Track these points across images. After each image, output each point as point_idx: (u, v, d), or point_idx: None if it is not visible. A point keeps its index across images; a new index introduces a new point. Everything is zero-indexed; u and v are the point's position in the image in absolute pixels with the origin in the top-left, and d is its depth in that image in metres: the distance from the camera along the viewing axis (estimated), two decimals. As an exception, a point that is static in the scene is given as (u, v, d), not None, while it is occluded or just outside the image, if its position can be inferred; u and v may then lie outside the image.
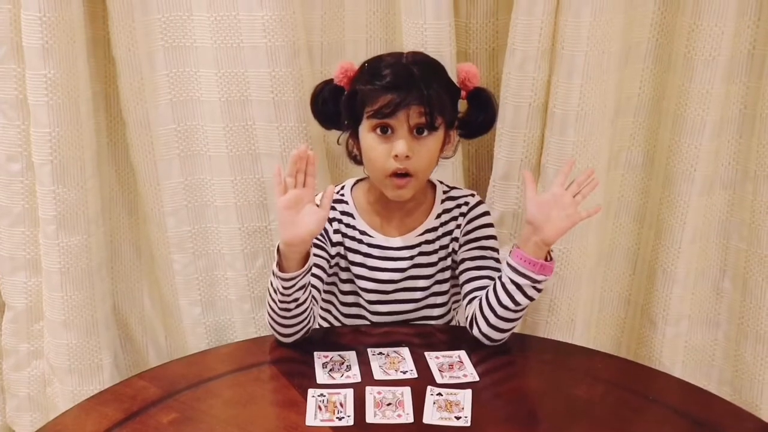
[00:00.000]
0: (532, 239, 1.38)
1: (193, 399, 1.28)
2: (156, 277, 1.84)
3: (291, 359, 1.41)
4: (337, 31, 1.72)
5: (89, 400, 1.31)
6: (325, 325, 1.62)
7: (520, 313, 1.41)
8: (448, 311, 1.58)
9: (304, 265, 1.32)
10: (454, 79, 1.49)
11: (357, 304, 1.55)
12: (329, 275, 1.52)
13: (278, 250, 1.32)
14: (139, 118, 1.68)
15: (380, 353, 1.40)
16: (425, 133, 1.40)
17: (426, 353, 1.40)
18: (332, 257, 1.51)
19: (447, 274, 1.54)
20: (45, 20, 1.50)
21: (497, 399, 1.32)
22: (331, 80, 1.49)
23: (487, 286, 1.44)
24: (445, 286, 1.55)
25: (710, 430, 1.24)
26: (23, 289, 1.76)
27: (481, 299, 1.43)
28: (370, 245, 1.51)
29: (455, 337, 1.48)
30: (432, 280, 1.53)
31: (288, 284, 1.32)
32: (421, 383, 1.31)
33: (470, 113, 1.50)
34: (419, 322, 1.56)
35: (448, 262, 1.53)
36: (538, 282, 1.38)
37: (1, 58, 1.58)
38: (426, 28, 1.61)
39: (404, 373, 1.35)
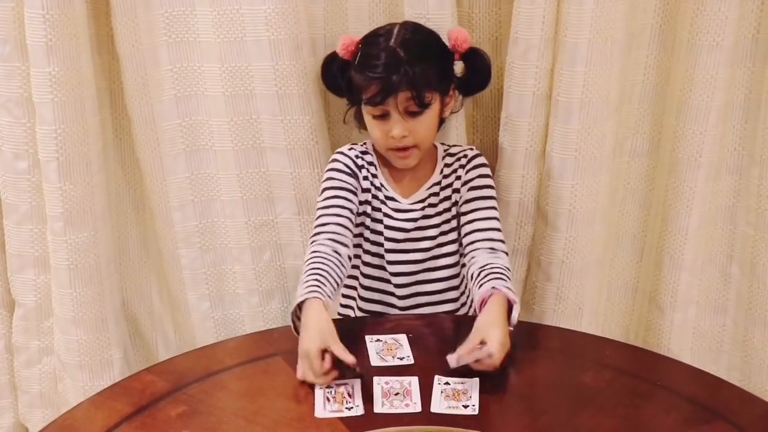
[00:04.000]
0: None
1: (202, 392, 1.29)
2: (164, 273, 1.85)
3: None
4: (340, 23, 1.72)
5: (99, 394, 1.32)
6: (352, 283, 1.66)
7: None
8: (457, 262, 1.62)
9: None
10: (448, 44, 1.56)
11: (379, 255, 1.61)
12: (357, 220, 1.58)
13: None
14: (143, 113, 1.69)
15: (378, 340, 1.40)
16: (418, 111, 1.47)
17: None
18: (361, 204, 1.57)
19: (453, 224, 1.59)
20: (48, 17, 1.50)
21: (505, 387, 1.33)
22: (335, 53, 1.58)
23: (491, 239, 1.51)
24: (451, 236, 1.60)
25: (719, 415, 1.24)
26: (32, 287, 1.77)
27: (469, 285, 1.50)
28: (386, 197, 1.58)
29: (462, 327, 1.48)
30: (438, 230, 1.59)
31: None
32: (428, 372, 1.32)
33: (466, 73, 1.58)
34: (428, 312, 1.58)
35: (453, 212, 1.58)
36: None
37: (6, 56, 1.58)
38: (429, 19, 1.61)
39: (401, 359, 1.35)
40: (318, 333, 1.30)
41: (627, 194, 1.82)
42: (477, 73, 1.58)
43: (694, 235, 1.74)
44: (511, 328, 1.37)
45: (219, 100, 1.69)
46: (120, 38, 1.63)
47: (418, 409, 1.24)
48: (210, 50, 1.66)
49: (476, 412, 1.23)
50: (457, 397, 1.27)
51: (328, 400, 1.25)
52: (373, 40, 1.52)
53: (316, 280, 1.40)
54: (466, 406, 1.25)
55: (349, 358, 1.27)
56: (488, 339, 1.29)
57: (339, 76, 1.58)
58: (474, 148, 1.62)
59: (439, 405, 1.25)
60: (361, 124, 1.59)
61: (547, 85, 1.64)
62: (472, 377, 1.30)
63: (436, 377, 1.30)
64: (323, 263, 1.45)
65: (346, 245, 1.51)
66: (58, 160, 1.59)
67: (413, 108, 1.47)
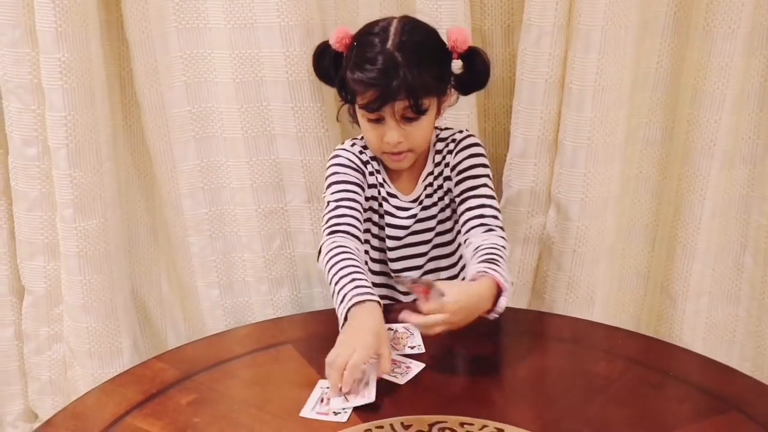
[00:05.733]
0: None
1: (212, 380, 1.29)
2: (173, 260, 1.84)
3: (309, 339, 1.41)
4: (351, 9, 1.71)
5: (109, 382, 1.32)
6: None
7: None
8: (456, 251, 1.60)
9: None
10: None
11: (382, 251, 1.58)
12: (365, 212, 1.54)
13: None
14: (153, 100, 1.68)
15: (389, 329, 1.39)
16: (414, 117, 1.42)
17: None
18: (367, 199, 1.53)
19: (448, 213, 1.56)
20: (58, 3, 1.49)
21: (516, 377, 1.32)
22: (328, 43, 1.51)
23: (482, 216, 1.45)
24: (447, 225, 1.57)
25: (732, 405, 1.23)
26: (42, 274, 1.77)
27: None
28: (388, 194, 1.54)
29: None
30: (436, 220, 1.56)
31: None
32: (439, 361, 1.32)
33: (464, 72, 1.50)
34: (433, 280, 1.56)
35: (446, 201, 1.55)
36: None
37: (15, 42, 1.58)
38: (440, 5, 1.59)
39: (412, 348, 1.35)
40: (375, 336, 1.24)
41: (639, 183, 1.81)
42: (475, 73, 1.49)
43: (707, 224, 1.73)
44: (496, 315, 1.33)
45: (229, 86, 1.68)
46: (130, 24, 1.62)
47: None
48: (220, 36, 1.65)
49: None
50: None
51: (322, 401, 1.22)
52: (368, 39, 1.43)
53: (365, 280, 1.34)
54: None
55: (388, 368, 1.24)
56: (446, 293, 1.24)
57: (331, 68, 1.52)
58: (464, 130, 1.56)
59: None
60: (355, 120, 1.53)
61: (559, 73, 1.62)
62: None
63: None
64: (358, 261, 1.38)
65: (361, 241, 1.46)
66: (68, 147, 1.59)
67: (410, 114, 1.41)
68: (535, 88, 1.64)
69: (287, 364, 1.34)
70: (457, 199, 1.51)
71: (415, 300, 1.55)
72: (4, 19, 1.56)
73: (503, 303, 1.32)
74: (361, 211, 1.50)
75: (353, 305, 1.29)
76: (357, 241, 1.44)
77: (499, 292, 1.32)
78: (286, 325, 1.47)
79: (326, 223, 1.46)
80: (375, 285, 1.57)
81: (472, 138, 1.54)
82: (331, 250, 1.40)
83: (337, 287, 1.34)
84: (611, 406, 1.23)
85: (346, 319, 1.29)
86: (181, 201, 1.76)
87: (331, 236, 1.43)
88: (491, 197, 1.48)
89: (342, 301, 1.31)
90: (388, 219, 1.54)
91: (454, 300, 1.24)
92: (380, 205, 1.54)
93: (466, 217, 1.47)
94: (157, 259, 1.87)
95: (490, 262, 1.35)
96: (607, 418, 1.20)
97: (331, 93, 1.68)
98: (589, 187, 1.66)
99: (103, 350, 1.74)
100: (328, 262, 1.39)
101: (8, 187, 1.73)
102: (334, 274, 1.36)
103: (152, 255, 1.87)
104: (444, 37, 1.47)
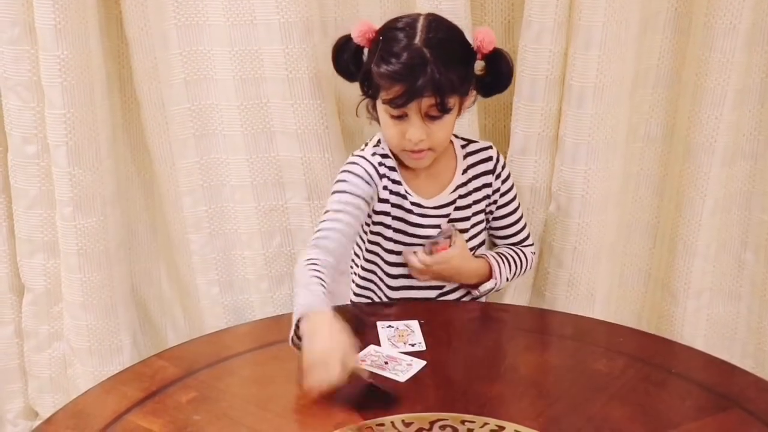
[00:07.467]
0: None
1: (212, 378, 1.28)
2: (173, 258, 1.84)
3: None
4: (351, 6, 1.70)
5: (109, 380, 1.32)
6: (371, 286, 1.60)
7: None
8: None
9: None
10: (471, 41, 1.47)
11: (402, 264, 1.55)
12: (371, 224, 1.52)
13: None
14: (153, 98, 1.68)
15: (389, 326, 1.40)
16: (438, 116, 1.41)
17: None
18: (376, 213, 1.50)
19: (480, 227, 1.56)
20: (57, 0, 1.49)
21: (517, 374, 1.32)
22: (350, 37, 1.49)
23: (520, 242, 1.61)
24: (480, 239, 1.56)
25: (735, 403, 1.22)
26: (42, 272, 1.76)
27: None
28: (412, 203, 1.51)
29: (477, 314, 1.47)
30: (468, 235, 1.54)
31: None
32: (440, 358, 1.31)
33: (486, 74, 1.48)
34: (440, 299, 1.57)
35: (481, 216, 1.55)
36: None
37: (15, 39, 1.58)
38: (441, 1, 1.59)
39: (412, 345, 1.35)
40: (338, 338, 1.21)
41: (640, 180, 1.80)
42: (499, 75, 1.47)
43: (708, 221, 1.73)
44: (479, 294, 1.53)
45: (228, 84, 1.68)
46: (129, 22, 1.62)
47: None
48: (220, 33, 1.65)
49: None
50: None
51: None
52: (394, 34, 1.41)
53: (323, 288, 1.33)
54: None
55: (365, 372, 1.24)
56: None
57: (352, 62, 1.49)
58: (492, 145, 1.56)
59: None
60: (374, 117, 1.50)
61: (560, 70, 1.62)
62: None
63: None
64: (324, 276, 1.36)
65: (344, 257, 1.46)
66: (68, 145, 1.58)
67: (434, 113, 1.39)
68: (536, 84, 1.63)
69: (288, 362, 1.33)
70: (498, 221, 1.58)
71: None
72: (4, 16, 1.56)
73: (486, 287, 1.52)
74: (357, 226, 1.47)
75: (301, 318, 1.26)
76: (332, 256, 1.40)
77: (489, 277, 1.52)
78: (286, 323, 1.45)
79: (315, 232, 1.44)
80: (396, 288, 1.57)
81: (502, 156, 1.56)
82: (306, 265, 1.37)
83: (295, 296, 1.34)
84: (612, 403, 1.22)
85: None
86: (180, 198, 1.76)
87: (311, 250, 1.40)
88: (523, 218, 1.61)
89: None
90: (413, 230, 1.51)
91: (449, 256, 1.48)
92: (399, 219, 1.51)
93: (509, 242, 1.60)
94: (156, 256, 1.87)
95: (500, 255, 1.54)
96: (608, 415, 1.20)
97: (331, 90, 1.68)
98: (589, 184, 1.65)
99: (103, 348, 1.74)
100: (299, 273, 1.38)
101: (8, 185, 1.73)
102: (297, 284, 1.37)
103: (152, 253, 1.86)
104: (468, 37, 1.46)
